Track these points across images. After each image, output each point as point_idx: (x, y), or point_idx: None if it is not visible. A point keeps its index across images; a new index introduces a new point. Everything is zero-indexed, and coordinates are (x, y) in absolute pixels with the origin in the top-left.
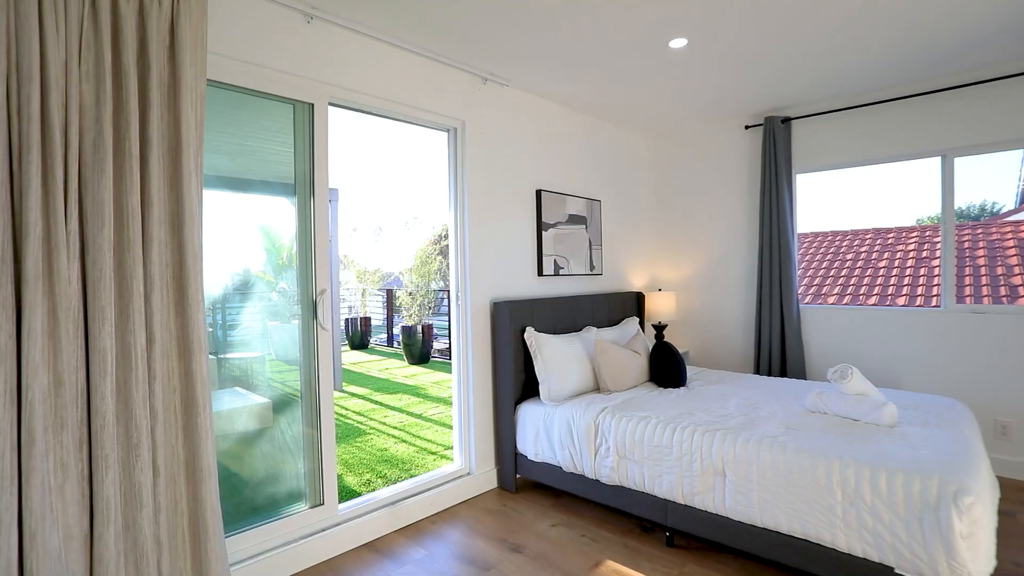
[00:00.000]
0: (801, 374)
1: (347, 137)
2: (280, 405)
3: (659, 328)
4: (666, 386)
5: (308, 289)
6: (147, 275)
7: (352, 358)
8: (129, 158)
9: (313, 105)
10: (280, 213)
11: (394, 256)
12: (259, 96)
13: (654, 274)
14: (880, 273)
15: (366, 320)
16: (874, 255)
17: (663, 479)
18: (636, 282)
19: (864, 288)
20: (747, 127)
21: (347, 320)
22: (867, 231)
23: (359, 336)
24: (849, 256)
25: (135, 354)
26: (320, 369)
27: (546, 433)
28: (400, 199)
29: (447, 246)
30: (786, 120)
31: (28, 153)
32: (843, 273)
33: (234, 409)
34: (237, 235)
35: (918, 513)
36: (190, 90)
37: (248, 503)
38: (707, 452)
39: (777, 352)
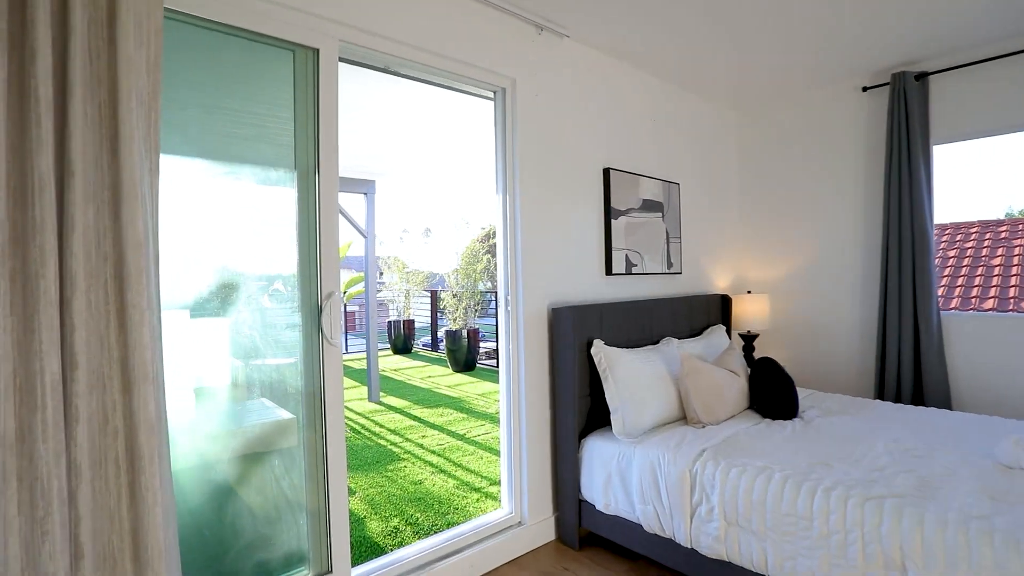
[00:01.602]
0: (944, 402)
1: (390, 125)
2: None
3: (748, 339)
4: (774, 417)
5: (311, 292)
6: (65, 273)
7: (393, 363)
8: (35, 103)
9: (318, 51)
10: (274, 198)
11: (442, 257)
12: (247, 37)
13: (741, 273)
14: (995, 272)
15: (409, 323)
16: (983, 252)
17: (797, 562)
18: (720, 283)
19: (976, 290)
20: (865, 89)
21: (389, 323)
22: (971, 224)
23: (402, 340)
24: (952, 253)
25: (42, 386)
26: (327, 399)
27: (621, 479)
28: (447, 196)
29: (496, 244)
30: (921, 76)
31: None
32: (946, 272)
33: (254, 426)
34: (273, 228)
35: None
36: (136, 18)
37: (230, 569)
38: (872, 532)
39: (909, 372)
